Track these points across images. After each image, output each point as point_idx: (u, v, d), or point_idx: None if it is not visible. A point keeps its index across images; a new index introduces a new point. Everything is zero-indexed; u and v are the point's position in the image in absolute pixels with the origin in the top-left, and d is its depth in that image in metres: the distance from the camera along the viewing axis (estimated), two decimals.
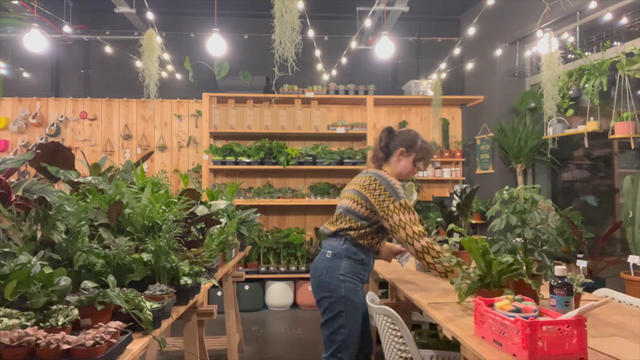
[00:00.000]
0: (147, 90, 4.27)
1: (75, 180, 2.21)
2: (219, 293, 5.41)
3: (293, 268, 5.80)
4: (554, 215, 3.57)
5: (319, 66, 5.64)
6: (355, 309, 2.43)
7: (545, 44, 3.95)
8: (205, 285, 2.35)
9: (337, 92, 6.13)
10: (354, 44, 5.35)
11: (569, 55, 4.51)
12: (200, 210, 2.76)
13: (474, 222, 5.76)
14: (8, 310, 1.42)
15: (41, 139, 6.12)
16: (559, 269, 1.90)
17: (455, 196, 4.54)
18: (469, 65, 5.83)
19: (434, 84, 5.75)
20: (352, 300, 2.42)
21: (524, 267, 2.08)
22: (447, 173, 6.28)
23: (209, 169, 5.92)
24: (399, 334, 2.22)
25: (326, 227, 2.55)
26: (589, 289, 2.43)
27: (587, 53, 4.43)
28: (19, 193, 1.79)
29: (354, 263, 2.46)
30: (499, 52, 5.40)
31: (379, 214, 2.41)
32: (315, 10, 5.18)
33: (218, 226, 2.93)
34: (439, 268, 2.42)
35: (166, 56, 5.48)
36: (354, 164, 5.96)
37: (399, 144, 2.60)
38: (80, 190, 2.19)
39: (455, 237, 2.87)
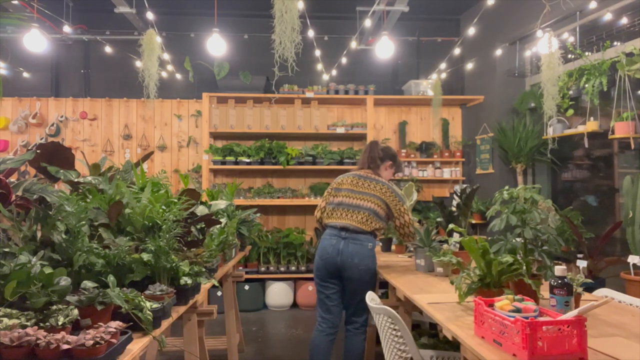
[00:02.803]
0: (147, 90, 4.26)
1: (75, 180, 2.21)
2: (219, 293, 5.40)
3: (293, 268, 5.80)
4: (554, 215, 3.57)
5: (319, 66, 5.64)
6: None
7: (545, 44, 3.94)
8: (205, 285, 2.35)
9: (337, 92, 6.13)
10: (354, 44, 5.35)
11: (569, 55, 4.51)
12: (200, 210, 2.76)
13: (474, 222, 5.76)
14: (8, 310, 1.42)
15: (41, 139, 6.12)
16: (559, 269, 1.90)
17: (455, 196, 4.54)
18: (469, 65, 5.83)
19: (434, 84, 5.75)
20: None
21: (524, 267, 2.08)
22: (447, 173, 6.28)
23: (209, 169, 5.92)
24: (399, 334, 2.22)
25: (358, 226, 3.12)
26: (589, 289, 2.43)
27: (587, 53, 4.43)
28: (19, 193, 1.79)
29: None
30: (499, 52, 5.40)
31: (394, 214, 3.18)
32: (315, 10, 5.18)
33: (218, 226, 2.93)
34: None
35: (166, 56, 5.47)
36: (354, 164, 5.94)
37: (389, 158, 3.36)
38: (80, 190, 2.19)
39: (455, 237, 2.88)
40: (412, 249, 3.54)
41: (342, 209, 3.16)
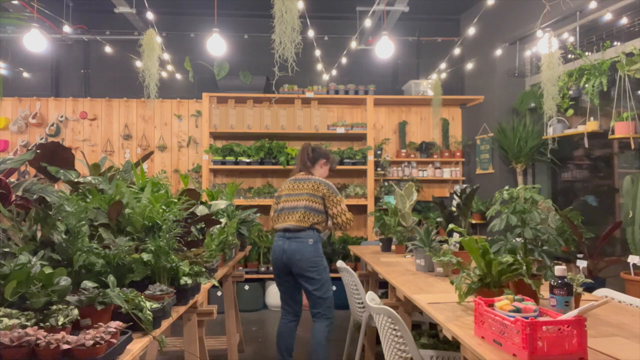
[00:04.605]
0: (147, 90, 4.26)
1: (75, 180, 2.21)
2: (219, 293, 5.40)
3: None
4: (554, 215, 3.57)
5: (319, 66, 5.64)
6: (329, 273, 3.56)
7: (545, 44, 3.94)
8: (205, 285, 2.35)
9: (337, 92, 6.13)
10: (354, 44, 5.35)
11: (569, 55, 4.51)
12: (200, 210, 2.76)
13: (474, 222, 5.76)
14: (8, 310, 1.42)
15: (41, 139, 6.12)
16: (559, 269, 1.90)
17: (455, 196, 4.54)
18: (469, 65, 5.83)
19: (434, 84, 5.75)
20: (329, 268, 3.57)
21: (524, 267, 2.08)
22: (447, 173, 6.28)
23: (209, 169, 5.92)
24: (399, 334, 2.22)
25: (297, 224, 3.42)
26: (589, 289, 2.43)
27: (587, 53, 4.43)
28: (19, 193, 1.79)
29: (321, 243, 3.52)
30: (499, 52, 5.40)
31: (328, 205, 3.45)
32: (315, 10, 5.17)
33: (218, 226, 2.93)
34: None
35: (166, 56, 5.47)
36: (354, 164, 5.96)
37: (321, 156, 3.64)
38: (80, 190, 2.19)
39: (455, 237, 2.87)
40: (412, 249, 3.53)
41: (284, 213, 3.49)
